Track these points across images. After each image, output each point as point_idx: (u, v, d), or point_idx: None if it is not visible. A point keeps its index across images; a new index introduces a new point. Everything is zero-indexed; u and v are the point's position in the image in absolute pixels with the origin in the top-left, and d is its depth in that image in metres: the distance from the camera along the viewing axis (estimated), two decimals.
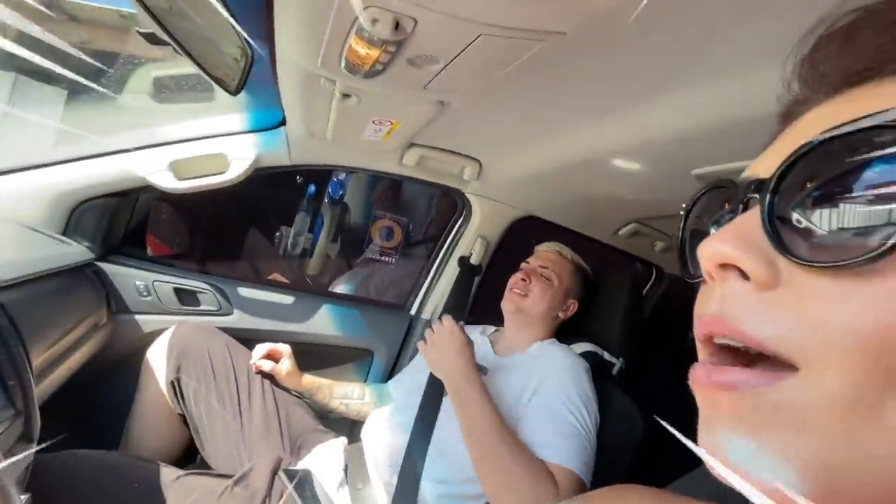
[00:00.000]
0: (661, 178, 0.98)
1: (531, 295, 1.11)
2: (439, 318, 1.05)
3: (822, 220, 0.19)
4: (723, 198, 0.26)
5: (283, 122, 1.09)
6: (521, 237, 1.41)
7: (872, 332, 0.17)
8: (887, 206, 0.17)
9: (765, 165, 0.23)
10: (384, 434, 1.06)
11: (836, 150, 0.19)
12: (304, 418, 1.10)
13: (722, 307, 0.21)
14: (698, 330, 0.22)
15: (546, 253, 1.21)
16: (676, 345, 1.95)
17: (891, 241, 0.17)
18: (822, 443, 0.17)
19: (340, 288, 1.87)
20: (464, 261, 1.36)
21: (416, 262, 1.82)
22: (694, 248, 0.26)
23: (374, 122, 0.91)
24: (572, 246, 1.26)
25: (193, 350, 1.04)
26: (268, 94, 0.99)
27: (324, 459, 1.01)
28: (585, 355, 1.13)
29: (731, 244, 0.20)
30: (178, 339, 1.04)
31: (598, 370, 1.10)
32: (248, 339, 1.16)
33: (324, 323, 1.30)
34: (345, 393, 1.20)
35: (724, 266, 0.21)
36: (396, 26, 0.47)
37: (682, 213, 0.29)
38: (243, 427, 1.01)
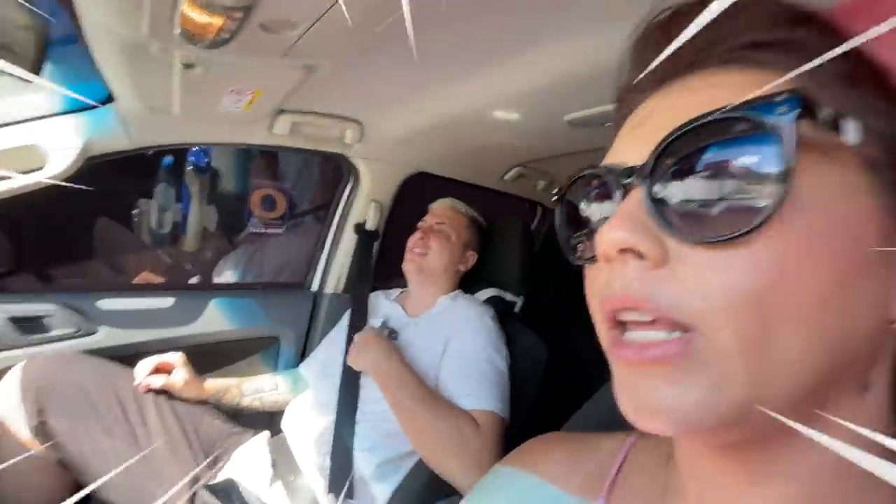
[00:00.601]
0: (538, 123, 1.03)
1: (431, 252, 1.13)
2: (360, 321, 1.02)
3: (697, 202, 0.22)
4: (590, 182, 0.28)
5: (110, 99, 0.90)
6: (414, 195, 1.40)
7: (749, 292, 0.20)
8: (751, 188, 0.20)
9: (633, 152, 0.25)
10: (308, 418, 1.04)
11: (703, 137, 0.21)
12: (215, 425, 1.02)
13: (628, 285, 0.22)
14: (603, 309, 0.24)
15: (441, 209, 1.22)
16: (564, 272, 2.17)
17: (756, 220, 0.20)
18: (729, 386, 0.21)
19: (227, 275, 1.70)
20: (360, 228, 1.32)
21: (309, 234, 1.72)
22: (574, 234, 0.29)
23: (231, 92, 0.79)
24: (464, 196, 1.28)
25: (57, 385, 0.88)
26: (84, 65, 0.79)
27: (247, 462, 0.96)
28: (490, 300, 1.20)
29: (628, 230, 0.22)
30: (32, 378, 0.87)
31: (502, 311, 1.18)
32: (128, 355, 1.01)
33: (216, 320, 1.18)
34: (256, 388, 1.13)
35: (622, 250, 0.23)
36: None
37: (553, 200, 0.30)
38: (143, 454, 0.90)
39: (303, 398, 1.08)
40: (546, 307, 1.79)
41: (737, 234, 0.20)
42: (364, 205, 1.32)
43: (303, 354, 1.31)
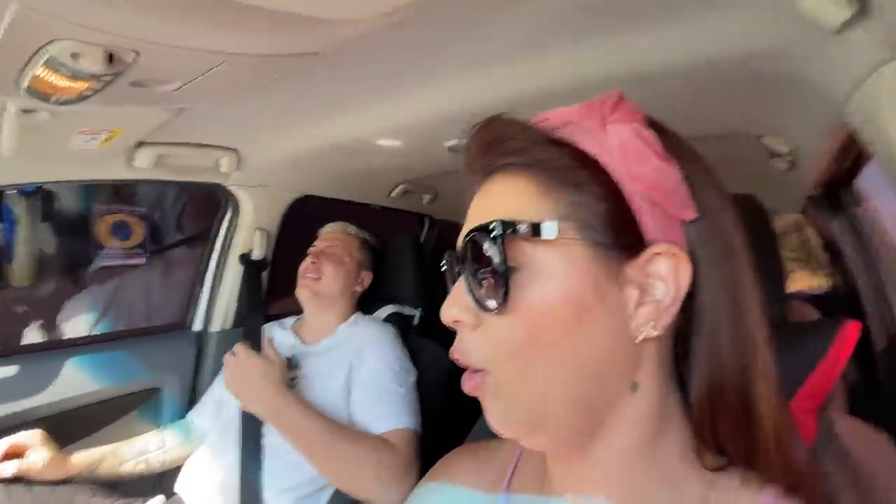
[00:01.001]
0: (422, 148, 1.09)
1: (324, 277, 1.12)
2: (235, 337, 0.97)
3: (480, 284, 0.31)
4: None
5: None
6: (301, 219, 1.37)
7: (511, 344, 0.30)
8: (497, 278, 0.30)
9: (460, 241, 0.34)
10: (208, 468, 0.97)
11: (476, 241, 0.31)
12: (93, 503, 0.89)
13: (459, 346, 0.32)
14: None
15: (331, 233, 1.22)
16: None
17: (500, 301, 0.29)
18: (513, 401, 0.31)
19: (79, 321, 1.45)
20: (245, 258, 1.25)
21: (183, 266, 1.56)
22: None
23: (82, 133, 0.71)
24: (353, 216, 1.30)
25: None
26: None
27: None
28: (389, 318, 1.23)
29: (455, 307, 0.32)
30: None
31: (401, 325, 1.22)
32: None
33: (77, 381, 1.02)
34: (139, 450, 1.01)
35: (455, 321, 0.32)
36: (111, 59, 0.38)
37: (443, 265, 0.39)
38: None
39: (199, 450, 1.00)
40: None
41: (494, 308, 0.30)
42: (248, 233, 1.26)
43: (191, 401, 1.20)
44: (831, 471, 0.40)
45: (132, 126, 0.72)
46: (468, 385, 0.32)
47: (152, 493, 0.98)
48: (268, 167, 1.15)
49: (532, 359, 0.30)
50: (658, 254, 0.29)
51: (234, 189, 1.19)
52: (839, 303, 1.66)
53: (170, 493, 0.96)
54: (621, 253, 0.29)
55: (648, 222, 0.29)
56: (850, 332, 0.46)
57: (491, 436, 0.59)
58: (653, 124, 0.32)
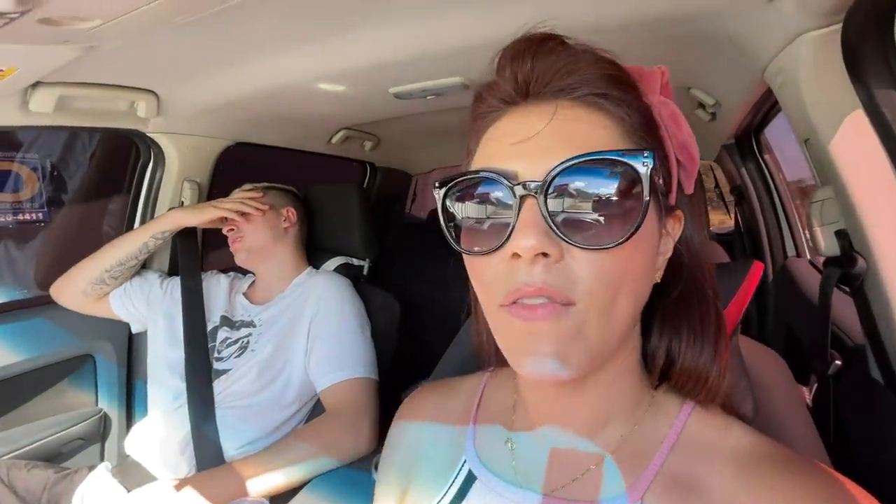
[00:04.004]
0: (364, 95, 1.04)
1: (246, 232, 1.07)
2: None
3: (580, 216, 0.30)
4: (475, 183, 0.32)
5: None
6: (234, 168, 1.28)
7: (608, 279, 0.30)
8: (620, 213, 0.29)
9: (524, 166, 0.30)
10: (162, 427, 0.95)
11: (587, 169, 0.29)
12: (35, 474, 0.85)
13: (536, 278, 0.29)
14: (510, 297, 0.30)
15: (239, 195, 1.14)
16: (398, 223, 2.29)
17: (624, 237, 0.29)
18: (592, 336, 0.30)
19: None
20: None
21: (100, 216, 1.41)
22: (452, 224, 0.34)
23: None
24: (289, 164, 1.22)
25: None
26: None
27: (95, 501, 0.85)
28: (338, 269, 1.23)
29: (540, 239, 0.29)
30: None
31: (351, 277, 1.22)
32: None
33: None
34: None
35: (539, 253, 0.29)
36: None
37: (436, 193, 0.34)
38: None
39: (151, 418, 0.97)
40: (387, 262, 1.89)
41: (611, 245, 0.29)
42: (175, 185, 1.16)
43: (129, 365, 1.15)
44: (733, 382, 0.49)
45: (30, 64, 0.62)
46: (541, 311, 0.29)
47: (96, 462, 0.95)
48: (194, 112, 1.04)
49: (618, 294, 0.30)
50: (676, 216, 0.35)
51: (155, 136, 1.07)
52: (738, 241, 1.89)
53: (120, 459, 0.94)
54: (665, 210, 0.34)
55: (675, 189, 0.34)
56: (755, 271, 0.54)
57: (457, 366, 0.64)
58: None
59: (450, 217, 0.34)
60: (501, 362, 0.41)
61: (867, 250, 0.51)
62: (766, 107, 0.88)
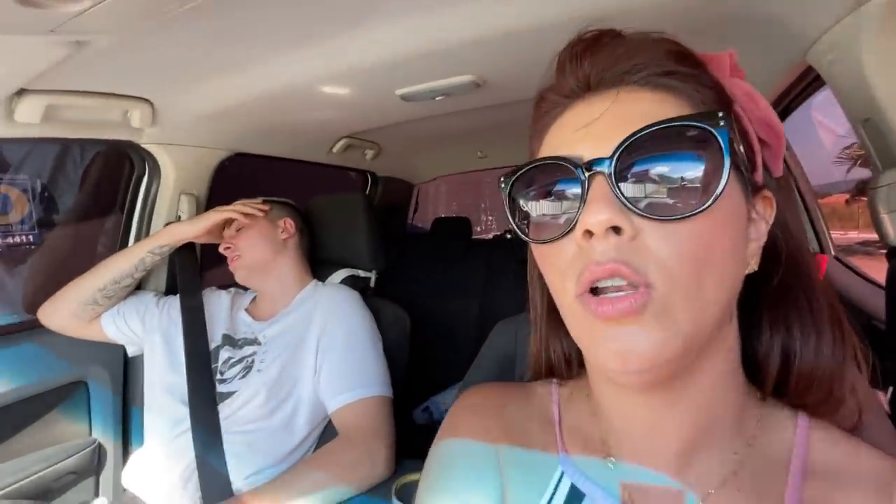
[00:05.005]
0: (368, 98, 1.00)
1: (243, 249, 1.02)
2: None
3: (654, 188, 0.28)
4: (543, 172, 0.32)
5: None
6: (233, 180, 1.23)
7: (691, 254, 0.27)
8: (698, 180, 0.27)
9: (589, 148, 0.29)
10: (163, 458, 0.88)
11: (657, 141, 0.28)
12: None
13: (609, 255, 0.27)
14: (583, 279, 0.28)
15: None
16: (401, 233, 2.24)
17: (704, 205, 0.27)
18: (679, 321, 0.27)
19: None
20: None
21: (95, 236, 1.35)
22: (522, 216, 0.33)
23: None
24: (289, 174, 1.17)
25: None
26: None
27: None
28: (345, 282, 1.17)
29: (613, 212, 0.27)
30: None
31: (358, 289, 1.17)
32: None
33: None
34: None
35: (612, 227, 0.27)
36: None
37: (503, 188, 0.33)
38: None
39: (151, 444, 0.90)
40: (391, 273, 1.84)
41: (689, 213, 0.27)
42: (172, 199, 1.10)
43: (125, 392, 1.07)
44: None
45: (13, 65, 0.57)
46: (621, 305, 0.27)
47: (90, 497, 0.88)
48: (191, 121, 1.00)
49: (702, 274, 0.27)
50: (766, 197, 0.32)
51: (150, 148, 1.02)
52: None
53: (117, 493, 0.87)
54: (751, 190, 0.31)
55: (759, 167, 0.32)
56: (820, 265, 0.49)
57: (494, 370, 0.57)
58: None
59: (517, 210, 0.33)
60: (571, 373, 0.39)
61: None
62: (793, 95, 0.84)
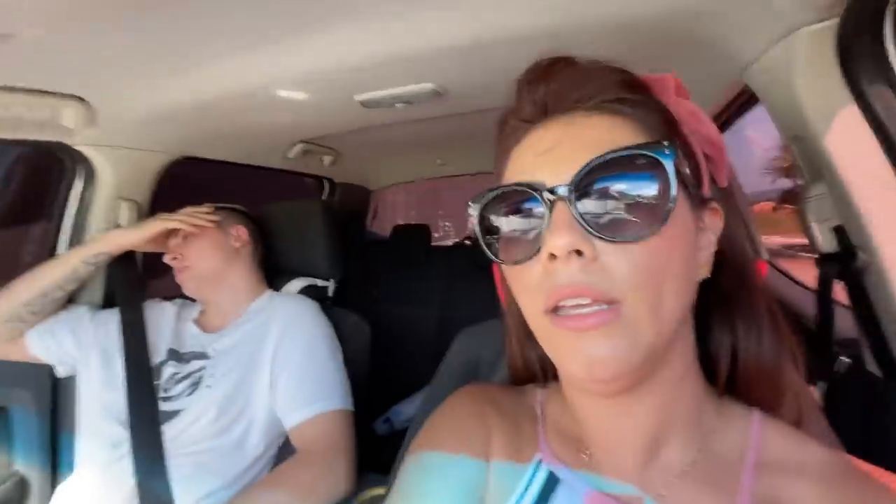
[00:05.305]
0: (327, 102, 0.98)
1: (193, 259, 0.96)
2: None
3: (611, 212, 0.31)
4: (507, 196, 0.34)
5: None
6: (179, 186, 1.16)
7: (650, 271, 0.30)
8: (649, 204, 0.30)
9: (550, 174, 0.31)
10: (94, 485, 0.81)
11: (612, 167, 0.30)
12: None
13: (574, 278, 0.30)
14: (548, 300, 0.31)
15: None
16: (359, 240, 2.20)
17: (656, 227, 0.30)
18: (643, 333, 0.30)
19: None
20: None
21: (19, 244, 1.23)
22: (489, 238, 0.35)
23: None
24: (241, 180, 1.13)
25: None
26: None
27: None
28: (302, 292, 1.13)
29: (574, 237, 0.30)
30: None
31: (317, 299, 1.13)
32: None
33: None
34: None
35: (573, 251, 0.30)
36: None
37: (471, 213, 0.35)
38: None
39: (79, 475, 0.83)
40: (349, 281, 1.80)
41: (646, 236, 0.30)
42: (110, 206, 1.02)
43: (53, 418, 0.97)
44: None
45: None
46: (589, 321, 0.29)
47: None
48: (132, 122, 0.93)
49: (663, 288, 0.30)
50: (713, 209, 0.35)
51: (84, 150, 0.95)
52: None
53: None
54: (698, 203, 0.34)
55: (706, 182, 0.34)
56: (762, 267, 0.52)
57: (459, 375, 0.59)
58: None
59: (486, 232, 0.35)
60: (547, 379, 0.43)
61: (866, 245, 0.50)
62: (732, 109, 0.91)
